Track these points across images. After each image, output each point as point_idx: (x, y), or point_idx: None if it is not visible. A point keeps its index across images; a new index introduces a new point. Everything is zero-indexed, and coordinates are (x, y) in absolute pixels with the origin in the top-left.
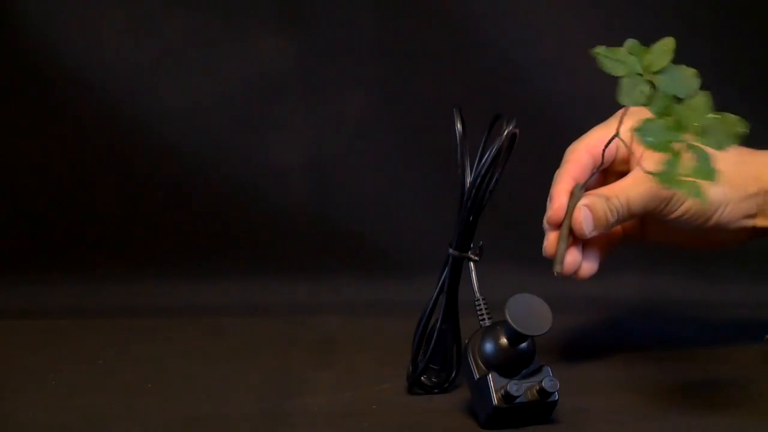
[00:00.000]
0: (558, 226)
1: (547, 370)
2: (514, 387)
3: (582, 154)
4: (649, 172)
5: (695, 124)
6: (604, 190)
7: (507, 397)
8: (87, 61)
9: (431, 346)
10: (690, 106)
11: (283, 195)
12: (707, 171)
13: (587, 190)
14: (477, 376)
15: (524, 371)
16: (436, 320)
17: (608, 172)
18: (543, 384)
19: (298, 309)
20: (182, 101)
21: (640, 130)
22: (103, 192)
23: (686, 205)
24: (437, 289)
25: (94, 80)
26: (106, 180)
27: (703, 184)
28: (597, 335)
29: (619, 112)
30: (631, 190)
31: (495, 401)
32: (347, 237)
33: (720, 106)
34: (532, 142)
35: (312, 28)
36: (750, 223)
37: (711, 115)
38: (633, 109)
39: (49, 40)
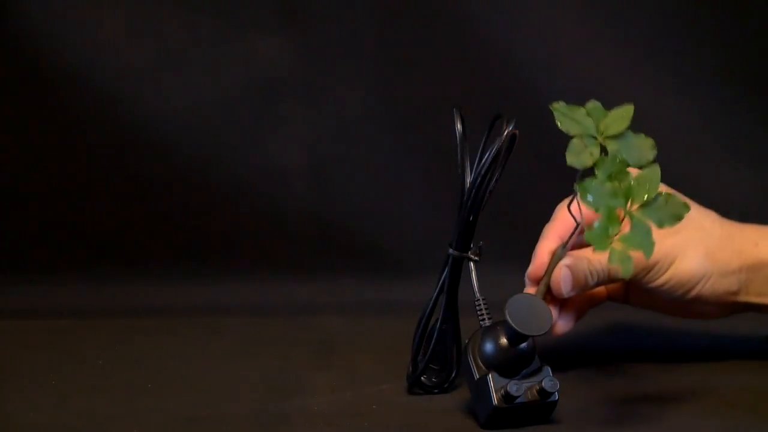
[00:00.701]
0: (537, 282)
1: (547, 370)
2: (514, 387)
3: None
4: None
5: (642, 196)
6: (587, 252)
7: (507, 397)
8: (87, 61)
9: (431, 346)
10: (640, 178)
11: (283, 195)
12: (644, 243)
13: (573, 248)
14: (477, 376)
15: (524, 371)
16: (436, 320)
17: None
18: (543, 384)
19: (298, 309)
20: (182, 101)
21: (582, 187)
22: (103, 192)
23: (667, 275)
24: (437, 289)
25: (94, 80)
26: (106, 180)
27: (682, 257)
28: (597, 335)
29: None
30: None
31: (495, 401)
32: (347, 237)
33: (720, 105)
34: (532, 142)
35: (312, 28)
36: (731, 298)
37: (659, 191)
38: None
39: (49, 40)
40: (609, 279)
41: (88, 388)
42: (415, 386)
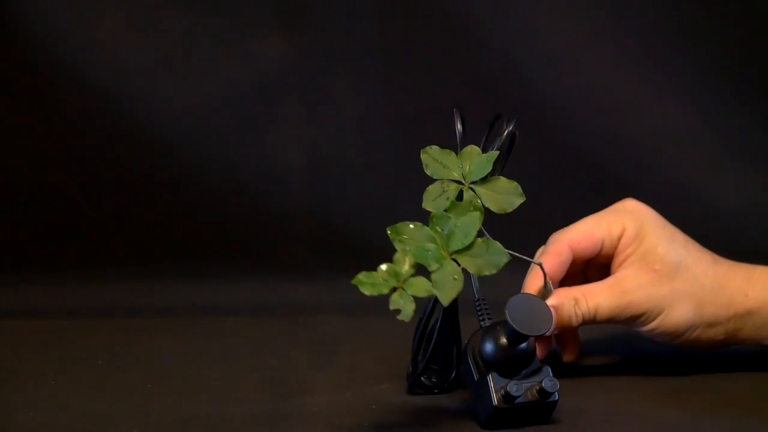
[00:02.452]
0: None
1: (547, 370)
2: (514, 387)
3: (563, 247)
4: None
5: (460, 242)
6: (576, 291)
7: (507, 397)
8: (87, 61)
9: (431, 346)
10: (460, 223)
11: (283, 195)
12: (443, 291)
13: (565, 276)
14: (477, 376)
15: (524, 371)
16: (436, 320)
17: (590, 262)
18: (543, 384)
19: (298, 309)
20: (182, 101)
21: (394, 230)
22: (103, 192)
23: (654, 324)
24: None
25: (94, 80)
26: (106, 180)
27: (670, 308)
28: (597, 335)
29: (614, 206)
30: (603, 299)
31: (495, 401)
32: (347, 237)
33: (720, 105)
34: (532, 142)
35: (312, 28)
36: (719, 343)
37: (479, 239)
38: (629, 208)
39: (48, 40)
40: (594, 321)
41: (88, 388)
42: (415, 386)
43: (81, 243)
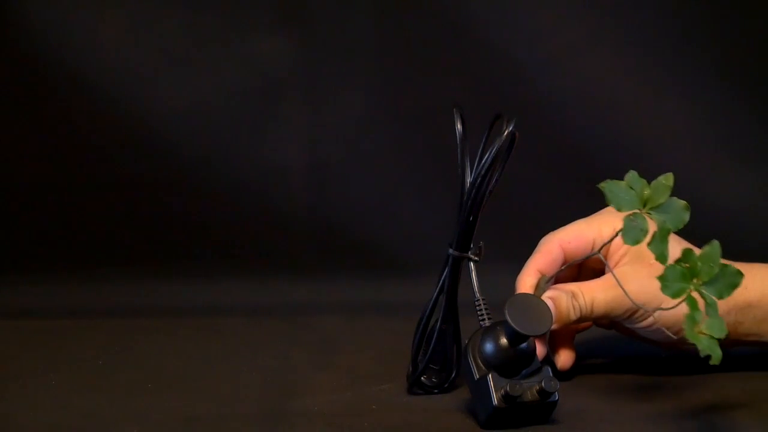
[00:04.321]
0: None
1: (547, 370)
2: (514, 387)
3: (554, 246)
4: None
5: (708, 273)
6: (572, 287)
7: (507, 397)
8: (87, 62)
9: (431, 346)
10: (703, 255)
11: (284, 195)
12: (719, 326)
13: (557, 281)
14: (477, 376)
15: (524, 371)
16: (436, 320)
17: (583, 266)
18: (543, 384)
19: (298, 309)
20: (183, 101)
21: (662, 279)
22: (103, 192)
23: (650, 320)
24: (437, 289)
25: (94, 80)
26: (106, 180)
27: (667, 302)
28: (596, 335)
29: (605, 209)
30: (599, 292)
31: (495, 401)
32: (347, 237)
33: (720, 105)
34: (532, 142)
35: (312, 29)
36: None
37: (717, 265)
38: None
39: (49, 40)
40: (591, 316)
41: (88, 388)
42: (415, 386)
43: (81, 243)
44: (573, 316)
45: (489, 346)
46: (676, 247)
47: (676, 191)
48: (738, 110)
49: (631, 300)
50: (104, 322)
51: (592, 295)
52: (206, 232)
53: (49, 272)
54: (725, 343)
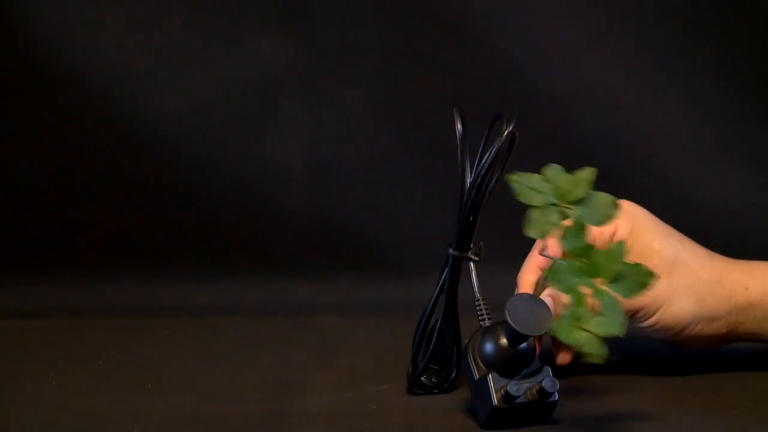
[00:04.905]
0: None
1: (547, 370)
2: (514, 387)
3: (554, 243)
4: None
5: (610, 270)
6: None
7: (507, 397)
8: (87, 61)
9: (431, 346)
10: (606, 252)
11: (284, 195)
12: (614, 324)
13: None
14: (477, 376)
15: (524, 371)
16: (436, 320)
17: None
18: (543, 384)
19: (298, 309)
20: (182, 101)
21: (552, 273)
22: (102, 192)
23: (653, 319)
24: (437, 289)
25: (94, 80)
26: (106, 180)
27: (669, 302)
28: None
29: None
30: None
31: (495, 401)
32: (347, 237)
33: (720, 105)
34: (532, 142)
35: (312, 28)
36: (720, 337)
37: (624, 263)
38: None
39: (49, 40)
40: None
41: (88, 388)
42: (415, 386)
43: (81, 243)
44: None
45: (489, 346)
46: (677, 247)
47: (676, 190)
48: (738, 110)
49: (634, 302)
50: (104, 322)
51: None
52: (206, 231)
53: (49, 272)
54: (724, 339)
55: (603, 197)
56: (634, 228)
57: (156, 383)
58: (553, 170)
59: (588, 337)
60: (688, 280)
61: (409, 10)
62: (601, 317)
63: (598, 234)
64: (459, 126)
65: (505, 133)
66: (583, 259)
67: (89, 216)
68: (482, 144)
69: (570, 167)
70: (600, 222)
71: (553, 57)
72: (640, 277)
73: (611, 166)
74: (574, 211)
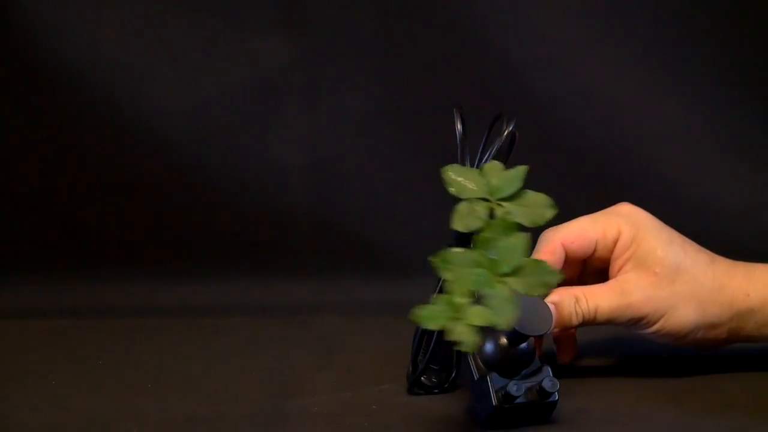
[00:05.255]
0: None
1: (547, 370)
2: (514, 387)
3: (557, 246)
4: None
5: (509, 265)
6: (576, 291)
7: (507, 397)
8: (87, 61)
9: (431, 346)
10: (507, 246)
11: (284, 195)
12: (498, 317)
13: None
14: (477, 376)
15: (524, 371)
16: None
17: (586, 268)
18: (543, 384)
19: (299, 309)
20: (182, 101)
21: (442, 260)
22: (102, 192)
23: (656, 327)
24: (437, 289)
25: (94, 80)
26: (106, 180)
27: (672, 311)
28: (597, 335)
29: (610, 210)
30: (603, 300)
31: (495, 401)
32: (347, 237)
33: (720, 105)
34: (532, 142)
35: (312, 28)
36: (721, 342)
37: (526, 258)
38: (624, 212)
39: (49, 40)
40: (594, 322)
41: (88, 388)
42: (415, 386)
43: (81, 243)
44: (575, 321)
45: (489, 346)
46: (680, 254)
47: (676, 190)
48: (738, 110)
49: (637, 311)
50: (104, 322)
51: (596, 301)
52: (206, 231)
53: (49, 272)
54: (724, 342)
55: (538, 197)
56: (637, 234)
57: (156, 383)
58: (490, 166)
59: (459, 325)
60: (691, 288)
61: (409, 10)
62: (481, 308)
63: (601, 236)
64: (459, 126)
65: (505, 133)
66: (483, 251)
67: (89, 216)
68: (482, 144)
69: (570, 167)
70: (533, 222)
71: (553, 57)
72: (543, 275)
73: (611, 166)
74: (504, 208)
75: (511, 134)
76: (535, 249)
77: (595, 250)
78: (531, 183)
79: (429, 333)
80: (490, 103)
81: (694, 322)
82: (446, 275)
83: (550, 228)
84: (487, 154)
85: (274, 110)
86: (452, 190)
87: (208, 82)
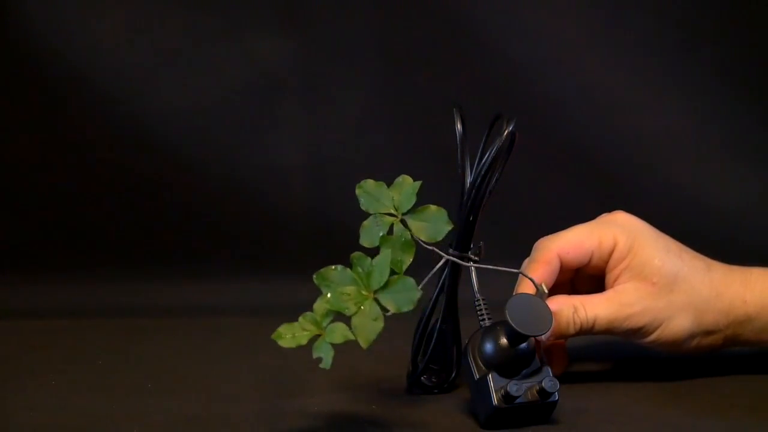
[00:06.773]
0: None
1: (547, 370)
2: (514, 387)
3: (552, 256)
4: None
5: (378, 281)
6: (574, 300)
7: (507, 397)
8: (87, 61)
9: (431, 346)
10: (377, 263)
11: (284, 195)
12: (359, 333)
13: (553, 286)
14: (477, 376)
15: (524, 371)
16: (436, 320)
17: (579, 274)
18: (543, 384)
19: (298, 309)
20: (182, 101)
21: (320, 277)
22: (103, 192)
23: (653, 336)
24: (437, 289)
25: (94, 80)
26: (106, 180)
27: (669, 321)
28: (596, 336)
29: (605, 218)
30: (601, 310)
31: (495, 401)
32: (347, 237)
33: (720, 105)
34: (532, 142)
35: (312, 28)
36: (717, 348)
37: (393, 276)
38: (619, 221)
39: (49, 40)
40: (591, 332)
41: (88, 388)
42: (415, 386)
43: (81, 243)
44: (572, 331)
45: (489, 346)
46: (677, 263)
47: (676, 190)
48: (739, 110)
49: (635, 322)
50: (104, 322)
51: (594, 311)
52: (206, 232)
53: (49, 272)
54: (721, 347)
55: (435, 211)
56: (633, 244)
57: (156, 383)
58: (400, 181)
59: (321, 342)
60: (688, 297)
61: (409, 10)
62: (343, 326)
63: (596, 247)
64: (459, 126)
65: (505, 133)
66: (358, 269)
67: (89, 216)
68: (482, 144)
69: (570, 167)
70: (430, 237)
71: (553, 57)
72: (408, 292)
73: (611, 166)
74: (408, 222)
75: (511, 134)
76: (530, 258)
77: (590, 260)
78: (531, 183)
79: (429, 333)
80: (490, 103)
81: (689, 331)
82: (325, 289)
83: (545, 237)
84: (487, 154)
85: (274, 110)
86: (363, 205)
87: (208, 82)
